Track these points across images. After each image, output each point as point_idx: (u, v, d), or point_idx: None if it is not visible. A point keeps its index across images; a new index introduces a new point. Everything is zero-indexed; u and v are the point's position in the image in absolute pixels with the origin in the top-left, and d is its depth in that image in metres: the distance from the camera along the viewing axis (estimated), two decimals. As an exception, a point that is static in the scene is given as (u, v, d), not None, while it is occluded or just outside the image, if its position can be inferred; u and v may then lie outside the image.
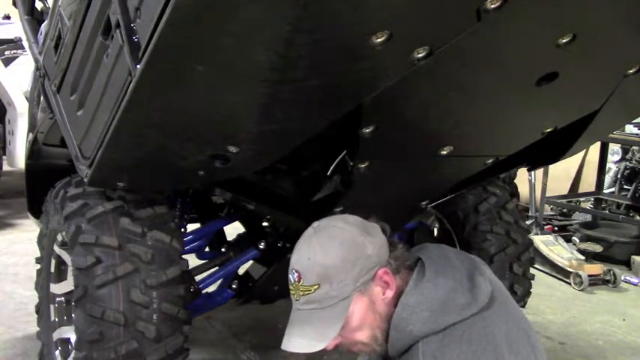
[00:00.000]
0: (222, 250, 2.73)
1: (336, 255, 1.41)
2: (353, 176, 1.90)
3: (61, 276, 2.34)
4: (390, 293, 1.45)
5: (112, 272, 1.89)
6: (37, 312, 2.45)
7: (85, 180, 1.88)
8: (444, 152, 1.87)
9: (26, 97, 4.48)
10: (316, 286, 1.41)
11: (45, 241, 2.37)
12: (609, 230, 5.10)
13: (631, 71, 1.70)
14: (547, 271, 4.58)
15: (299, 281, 1.43)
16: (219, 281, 2.64)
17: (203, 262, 2.70)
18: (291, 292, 1.47)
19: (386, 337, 1.46)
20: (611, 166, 5.78)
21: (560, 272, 4.50)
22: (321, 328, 1.42)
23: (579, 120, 1.97)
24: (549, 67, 1.55)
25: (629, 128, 5.05)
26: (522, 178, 4.91)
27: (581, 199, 5.83)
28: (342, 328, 1.43)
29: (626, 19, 1.46)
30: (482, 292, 1.42)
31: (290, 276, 1.47)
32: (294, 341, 1.44)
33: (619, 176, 5.66)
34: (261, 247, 2.50)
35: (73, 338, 2.14)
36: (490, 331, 1.38)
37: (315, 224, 1.50)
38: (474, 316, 1.39)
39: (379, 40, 1.22)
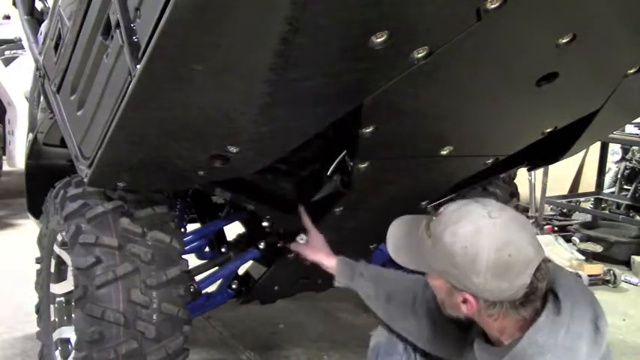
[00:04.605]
0: (222, 250, 2.72)
1: (460, 246, 1.41)
2: (353, 176, 1.90)
3: (61, 276, 2.34)
4: (464, 309, 1.48)
5: (112, 272, 1.89)
6: (37, 312, 2.45)
7: (85, 180, 1.88)
8: (444, 152, 1.87)
9: (26, 97, 4.47)
10: (429, 236, 1.50)
11: (45, 241, 2.37)
12: (609, 230, 5.09)
13: (631, 71, 1.70)
14: (547, 271, 4.57)
15: (433, 217, 1.52)
16: (219, 281, 2.63)
17: (203, 262, 2.69)
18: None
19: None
20: (611, 166, 5.77)
21: (560, 272, 4.49)
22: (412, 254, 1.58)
23: (579, 120, 1.97)
24: (549, 67, 1.55)
25: (629, 128, 5.04)
26: (522, 178, 4.91)
27: (581, 199, 5.82)
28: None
29: (626, 19, 1.46)
30: (604, 340, 1.43)
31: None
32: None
33: (619, 176, 5.66)
34: (261, 247, 2.50)
35: (73, 338, 2.14)
36: None
37: (497, 214, 1.43)
38: None
39: (379, 40, 1.22)
